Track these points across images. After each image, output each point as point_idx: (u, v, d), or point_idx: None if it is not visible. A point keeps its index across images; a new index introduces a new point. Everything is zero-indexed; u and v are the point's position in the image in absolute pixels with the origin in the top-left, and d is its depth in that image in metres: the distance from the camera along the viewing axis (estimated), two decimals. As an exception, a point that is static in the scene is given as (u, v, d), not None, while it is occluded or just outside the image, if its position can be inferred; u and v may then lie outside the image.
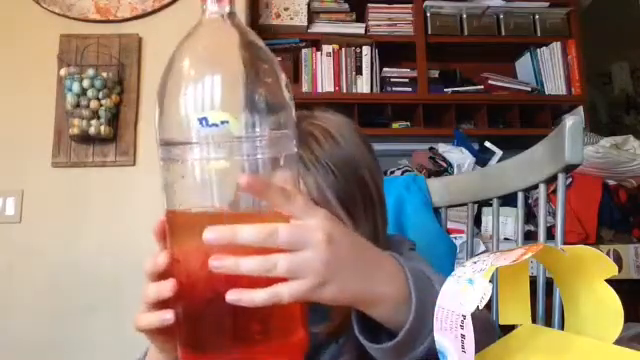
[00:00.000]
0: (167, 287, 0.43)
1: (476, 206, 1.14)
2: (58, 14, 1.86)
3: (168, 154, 0.41)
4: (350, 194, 0.64)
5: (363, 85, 2.30)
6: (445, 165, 2.10)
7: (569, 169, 0.80)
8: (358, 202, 0.65)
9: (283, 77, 0.42)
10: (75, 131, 1.71)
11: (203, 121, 0.38)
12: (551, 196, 1.49)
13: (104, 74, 1.75)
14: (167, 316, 0.43)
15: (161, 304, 0.45)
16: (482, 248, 1.77)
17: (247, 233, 0.39)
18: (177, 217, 0.42)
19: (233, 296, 0.39)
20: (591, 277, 0.47)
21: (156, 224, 0.46)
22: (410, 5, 2.41)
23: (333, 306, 0.47)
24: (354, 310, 0.50)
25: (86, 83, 1.70)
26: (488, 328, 0.52)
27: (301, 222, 0.42)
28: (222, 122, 0.38)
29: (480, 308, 0.39)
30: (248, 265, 0.39)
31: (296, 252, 0.41)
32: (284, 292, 0.40)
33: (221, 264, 0.39)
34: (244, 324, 0.41)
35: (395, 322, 0.48)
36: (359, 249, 0.47)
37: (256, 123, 0.39)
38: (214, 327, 0.41)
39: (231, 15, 0.41)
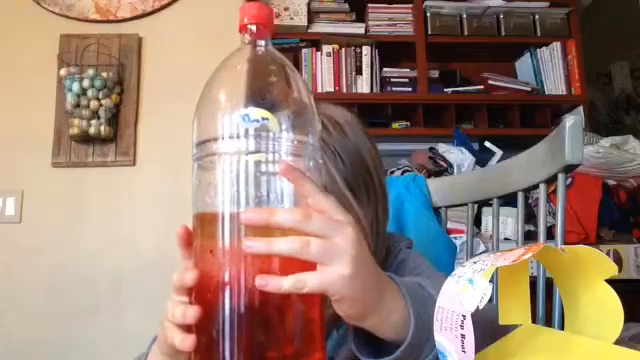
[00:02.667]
0: (191, 314, 0.43)
1: (476, 206, 1.14)
2: (58, 14, 1.86)
3: (205, 151, 0.45)
4: (356, 180, 0.66)
5: (363, 85, 2.30)
6: (445, 165, 2.10)
7: (569, 169, 0.79)
8: (362, 188, 0.67)
9: (310, 95, 0.48)
10: (75, 131, 1.71)
11: (245, 117, 0.43)
12: (551, 196, 1.49)
13: (104, 74, 1.75)
14: (187, 342, 0.43)
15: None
16: (482, 248, 1.77)
17: (283, 215, 0.41)
18: (208, 217, 0.44)
19: (261, 281, 0.40)
20: (591, 277, 0.47)
21: (180, 229, 0.46)
22: (410, 5, 2.41)
23: None
24: (352, 327, 0.50)
25: (86, 83, 1.70)
26: (494, 324, 0.52)
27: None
28: (262, 118, 0.43)
29: (480, 308, 0.39)
30: (281, 245, 0.41)
31: (328, 239, 0.42)
32: (310, 279, 0.41)
33: (254, 243, 0.40)
34: (263, 341, 0.42)
35: (398, 338, 0.48)
36: (372, 259, 0.47)
37: (289, 127, 0.44)
38: (231, 341, 0.41)
39: (267, 43, 0.49)
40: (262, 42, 0.48)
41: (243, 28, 0.48)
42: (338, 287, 0.42)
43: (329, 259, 0.42)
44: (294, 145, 0.44)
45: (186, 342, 0.43)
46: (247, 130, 0.43)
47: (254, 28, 0.48)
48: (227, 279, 0.42)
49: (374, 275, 0.46)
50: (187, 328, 0.44)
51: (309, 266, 0.42)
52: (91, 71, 1.72)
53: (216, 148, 0.44)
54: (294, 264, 0.41)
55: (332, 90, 2.27)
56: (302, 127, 0.45)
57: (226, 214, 0.43)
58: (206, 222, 0.44)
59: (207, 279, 0.43)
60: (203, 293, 0.43)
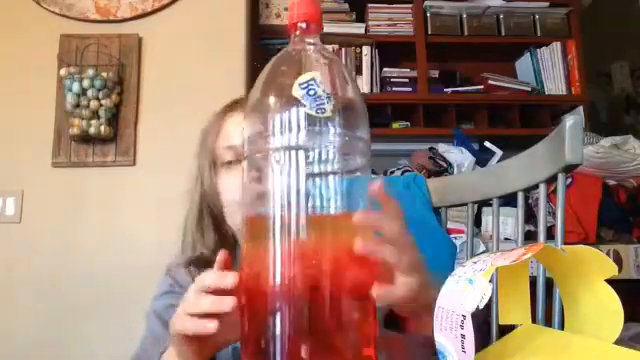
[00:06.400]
0: (228, 304, 0.45)
1: (476, 206, 1.14)
2: (58, 14, 1.85)
3: (254, 147, 0.45)
4: None
5: (363, 85, 2.30)
6: (445, 165, 2.10)
7: (569, 169, 0.80)
8: None
9: (360, 93, 0.51)
10: (75, 131, 1.71)
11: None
12: (551, 196, 1.49)
13: (104, 74, 1.74)
14: (210, 325, 0.46)
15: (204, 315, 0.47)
16: (482, 248, 1.77)
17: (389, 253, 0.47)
18: (258, 221, 0.44)
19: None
20: (591, 277, 0.47)
21: (222, 255, 0.48)
22: (410, 5, 2.41)
23: None
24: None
25: (86, 83, 1.70)
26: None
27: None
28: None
29: (480, 308, 0.40)
30: (385, 252, 0.47)
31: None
32: (396, 290, 0.48)
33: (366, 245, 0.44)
34: (322, 334, 0.42)
35: None
36: None
37: (339, 123, 0.45)
38: (289, 337, 0.41)
39: (316, 41, 0.49)
40: (311, 39, 0.48)
41: (293, 26, 0.49)
42: (421, 294, 0.49)
43: (411, 271, 0.49)
44: (345, 141, 0.45)
45: (209, 326, 0.45)
46: (290, 125, 0.43)
47: (304, 26, 0.48)
48: (281, 281, 0.41)
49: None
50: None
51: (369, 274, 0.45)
52: (91, 71, 1.72)
53: (260, 144, 0.45)
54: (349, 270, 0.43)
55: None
56: (352, 123, 0.46)
57: (279, 216, 0.42)
58: (259, 224, 0.44)
59: (257, 281, 0.43)
60: (252, 295, 0.43)
